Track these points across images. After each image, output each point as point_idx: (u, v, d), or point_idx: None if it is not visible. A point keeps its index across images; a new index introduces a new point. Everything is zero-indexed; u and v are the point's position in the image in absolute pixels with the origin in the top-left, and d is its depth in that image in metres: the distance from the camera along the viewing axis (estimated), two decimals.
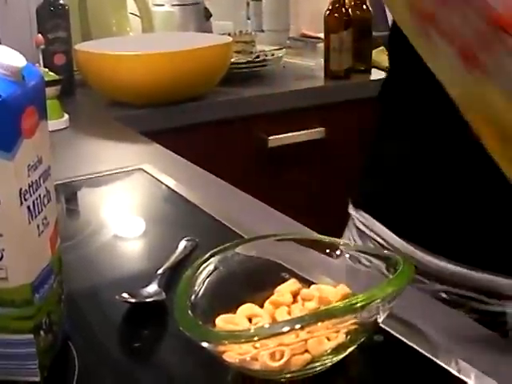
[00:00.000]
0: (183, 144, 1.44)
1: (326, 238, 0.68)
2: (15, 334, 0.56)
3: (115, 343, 0.66)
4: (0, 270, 0.54)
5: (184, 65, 1.61)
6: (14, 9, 1.81)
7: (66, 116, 1.52)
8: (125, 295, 0.69)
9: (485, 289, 0.78)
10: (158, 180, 1.10)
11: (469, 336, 0.66)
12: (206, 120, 1.67)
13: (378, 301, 0.56)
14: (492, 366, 0.59)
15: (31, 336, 0.56)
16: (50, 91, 1.46)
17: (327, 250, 0.67)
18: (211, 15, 2.15)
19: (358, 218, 0.90)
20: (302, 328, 0.53)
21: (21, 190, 0.54)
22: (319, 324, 0.54)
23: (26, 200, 0.55)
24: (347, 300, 0.56)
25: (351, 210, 0.92)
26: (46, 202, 0.58)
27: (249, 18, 2.39)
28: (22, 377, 0.57)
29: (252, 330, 0.54)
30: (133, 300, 0.69)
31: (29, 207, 0.55)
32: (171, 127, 1.62)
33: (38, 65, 1.54)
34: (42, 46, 1.52)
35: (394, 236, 0.83)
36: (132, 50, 1.64)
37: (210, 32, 2.17)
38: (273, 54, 1.97)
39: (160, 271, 0.76)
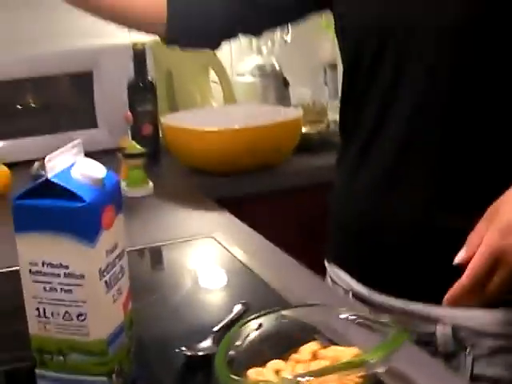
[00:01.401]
0: (257, 210, 1.65)
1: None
2: (93, 376, 0.77)
3: None
4: (83, 328, 0.75)
5: (259, 139, 1.83)
6: (109, 86, 2.07)
7: (151, 184, 1.75)
8: (183, 348, 0.89)
9: (417, 315, 1.09)
10: (226, 248, 1.31)
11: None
12: (279, 188, 1.87)
13: (372, 360, 0.74)
14: None
15: (105, 379, 0.77)
16: (136, 162, 1.70)
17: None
18: (289, 83, 2.37)
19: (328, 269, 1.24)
20: (307, 379, 0.72)
21: (100, 269, 0.75)
22: (323, 377, 0.72)
23: (104, 276, 0.76)
24: (346, 360, 0.74)
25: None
26: (120, 276, 0.79)
27: (326, 84, 2.59)
28: None
29: (269, 380, 0.73)
30: (189, 353, 0.89)
31: (106, 281, 0.76)
32: (247, 194, 1.82)
33: (126, 137, 1.79)
34: (131, 123, 1.76)
35: (352, 281, 1.17)
36: (213, 122, 1.87)
37: (289, 99, 2.38)
38: None
39: (215, 329, 0.95)
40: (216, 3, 1.34)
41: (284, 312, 0.88)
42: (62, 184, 0.72)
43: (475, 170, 1.06)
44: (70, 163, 0.77)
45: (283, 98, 2.37)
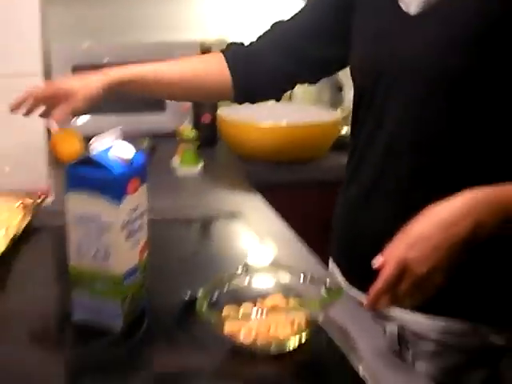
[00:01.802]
0: (291, 198, 1.94)
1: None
2: (111, 299, 1.07)
3: (171, 318, 1.16)
4: (107, 264, 1.06)
5: (301, 136, 2.12)
6: None
7: (201, 165, 2.05)
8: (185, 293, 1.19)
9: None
10: (247, 226, 1.60)
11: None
12: (313, 180, 2.15)
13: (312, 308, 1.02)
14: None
15: (119, 302, 1.07)
16: (188, 146, 2.01)
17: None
18: (342, 87, 2.63)
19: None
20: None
21: (123, 221, 1.05)
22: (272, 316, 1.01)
23: (125, 228, 1.06)
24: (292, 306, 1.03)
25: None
26: (138, 230, 1.10)
27: None
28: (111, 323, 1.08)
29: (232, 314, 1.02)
30: (186, 297, 1.18)
31: (128, 232, 1.07)
32: (284, 182, 2.11)
33: (186, 123, 2.10)
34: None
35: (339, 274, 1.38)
36: (265, 117, 2.16)
37: (341, 101, 2.64)
38: None
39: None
40: (274, 67, 1.52)
41: (263, 269, 1.18)
42: (98, 160, 1.03)
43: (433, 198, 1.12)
44: (110, 145, 1.07)
45: (336, 100, 2.63)
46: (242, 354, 1.04)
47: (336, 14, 1.45)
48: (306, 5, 1.54)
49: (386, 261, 1.03)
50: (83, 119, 2.35)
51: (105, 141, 1.08)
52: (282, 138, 2.13)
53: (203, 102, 2.28)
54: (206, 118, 2.29)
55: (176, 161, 2.04)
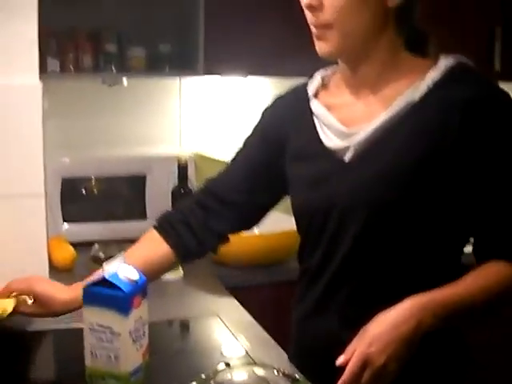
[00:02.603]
0: (262, 298, 2.22)
1: None
2: None
3: None
4: (117, 364, 1.33)
5: (270, 243, 2.47)
6: (157, 189, 2.68)
7: (181, 271, 2.33)
8: None
9: None
10: (226, 326, 1.86)
11: None
12: (282, 281, 2.43)
13: None
14: None
15: None
16: None
17: None
18: None
19: None
20: None
21: (130, 330, 1.33)
22: None
23: (132, 335, 1.34)
24: None
25: None
26: (142, 336, 1.37)
27: None
28: None
29: None
30: None
31: (133, 338, 1.35)
32: (254, 284, 2.40)
33: None
34: None
35: None
36: None
37: None
38: None
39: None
40: (216, 224, 1.68)
41: (242, 366, 1.45)
42: (111, 281, 1.32)
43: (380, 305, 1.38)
44: (117, 268, 1.36)
45: None
46: None
47: (266, 164, 1.64)
48: (234, 158, 1.72)
49: (350, 357, 1.31)
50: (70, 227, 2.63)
51: (113, 265, 1.36)
52: (253, 245, 2.43)
53: (180, 190, 2.58)
54: None
55: None
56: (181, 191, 2.59)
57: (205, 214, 1.68)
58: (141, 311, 1.37)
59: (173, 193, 2.60)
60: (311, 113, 1.56)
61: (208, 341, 1.84)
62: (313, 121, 1.55)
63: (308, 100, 1.58)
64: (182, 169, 2.58)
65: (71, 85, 2.78)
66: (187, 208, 1.71)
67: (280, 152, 1.61)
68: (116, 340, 1.33)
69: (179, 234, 1.67)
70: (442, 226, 1.44)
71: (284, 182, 1.61)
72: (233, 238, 2.39)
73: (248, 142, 1.71)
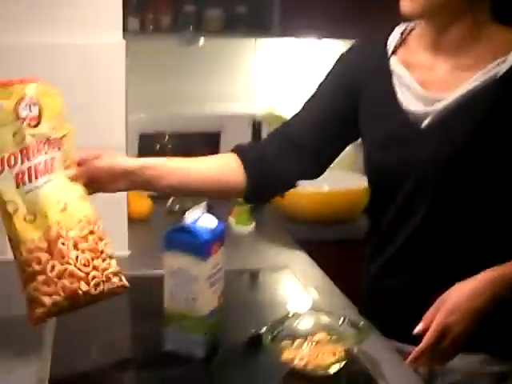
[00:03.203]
0: (330, 254, 2.31)
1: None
2: (196, 334, 1.44)
3: (240, 349, 1.52)
4: (195, 306, 1.43)
5: (338, 200, 2.53)
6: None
7: (253, 224, 2.43)
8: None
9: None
10: (296, 277, 1.96)
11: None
12: (349, 239, 2.51)
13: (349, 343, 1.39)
14: None
15: (203, 336, 1.44)
16: (243, 208, 2.39)
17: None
18: None
19: None
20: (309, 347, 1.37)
21: (208, 275, 1.43)
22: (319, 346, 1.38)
23: (209, 279, 1.44)
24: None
25: None
26: (219, 281, 1.47)
27: None
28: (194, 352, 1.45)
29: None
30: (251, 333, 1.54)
31: (211, 282, 1.45)
32: (323, 241, 2.48)
33: None
34: None
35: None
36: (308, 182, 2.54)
37: None
38: None
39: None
40: (287, 165, 1.67)
41: (310, 313, 1.55)
42: (192, 227, 1.41)
43: (454, 266, 1.49)
44: (198, 216, 1.45)
45: None
46: (296, 376, 1.40)
47: (341, 110, 1.65)
48: (308, 103, 1.73)
49: (428, 325, 1.38)
50: None
51: (195, 213, 1.45)
52: (322, 202, 2.51)
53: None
54: None
55: (231, 220, 2.42)
56: None
57: (278, 156, 1.66)
58: (218, 257, 1.47)
59: None
60: (389, 70, 1.56)
61: (278, 292, 1.94)
62: (390, 78, 1.56)
63: (386, 55, 1.58)
64: (256, 127, 2.67)
65: (150, 44, 2.87)
66: (262, 147, 1.71)
67: (355, 100, 1.62)
68: (194, 283, 1.43)
69: (255, 168, 1.66)
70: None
71: (356, 131, 1.63)
72: (302, 193, 2.50)
73: (322, 88, 1.71)
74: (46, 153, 1.44)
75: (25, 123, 1.42)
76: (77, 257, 1.41)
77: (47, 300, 1.39)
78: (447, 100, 1.47)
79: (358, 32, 2.67)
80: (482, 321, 1.42)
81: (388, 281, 1.61)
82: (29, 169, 1.41)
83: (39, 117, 1.44)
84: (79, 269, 1.41)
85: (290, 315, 1.53)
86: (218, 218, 1.50)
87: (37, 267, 1.39)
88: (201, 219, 1.46)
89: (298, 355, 1.40)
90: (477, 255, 1.48)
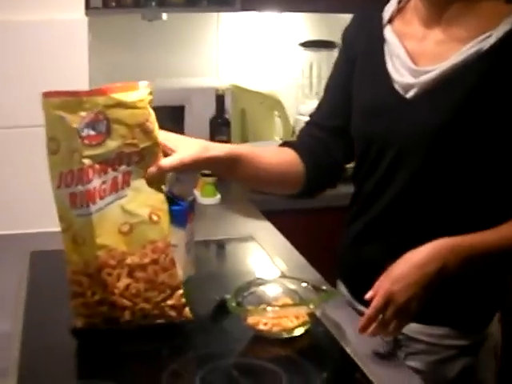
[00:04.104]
0: (298, 224, 2.36)
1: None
2: None
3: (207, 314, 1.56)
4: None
5: None
6: (196, 119, 2.81)
7: (219, 196, 2.47)
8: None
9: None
10: (261, 246, 2.00)
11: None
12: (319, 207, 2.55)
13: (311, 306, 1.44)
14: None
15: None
16: (208, 180, 2.43)
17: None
18: None
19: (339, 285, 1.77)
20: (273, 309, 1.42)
21: (186, 242, 1.48)
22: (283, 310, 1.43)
23: (187, 247, 1.49)
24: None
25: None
26: (192, 249, 1.53)
27: None
28: None
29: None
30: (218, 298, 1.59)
31: (187, 250, 1.51)
32: (291, 210, 2.53)
33: None
34: None
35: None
36: None
37: None
38: None
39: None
40: (334, 151, 1.69)
41: (274, 280, 1.60)
42: (171, 198, 1.47)
43: (429, 238, 1.44)
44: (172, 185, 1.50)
45: None
46: (261, 339, 1.45)
47: (346, 87, 1.66)
48: (328, 84, 1.74)
49: (375, 293, 1.39)
50: None
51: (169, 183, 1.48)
52: None
53: (217, 120, 2.74)
54: None
55: (197, 193, 2.46)
56: (218, 121, 2.72)
57: (322, 144, 1.68)
58: (192, 226, 1.51)
59: (211, 122, 2.73)
60: (383, 38, 1.59)
61: (244, 261, 2.01)
62: (383, 47, 1.59)
63: (382, 23, 1.61)
64: (220, 99, 2.71)
65: (113, 20, 2.89)
66: (303, 140, 1.72)
67: (354, 69, 1.65)
68: (175, 249, 1.44)
69: (312, 159, 1.67)
70: (496, 165, 1.50)
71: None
72: None
73: (335, 66, 1.74)
74: (114, 170, 1.35)
75: (85, 142, 1.34)
76: (127, 285, 1.36)
77: (82, 320, 1.40)
78: (433, 72, 1.49)
79: (316, 5, 2.76)
80: (446, 295, 1.46)
81: (363, 248, 1.65)
82: (81, 193, 1.34)
83: (107, 133, 1.34)
84: (127, 298, 1.36)
85: (254, 281, 1.57)
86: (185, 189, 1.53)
87: (78, 289, 1.37)
88: (175, 189, 1.49)
89: (263, 319, 1.44)
90: (453, 228, 1.47)
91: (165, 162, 1.39)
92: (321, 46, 3.10)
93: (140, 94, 1.37)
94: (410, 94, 1.52)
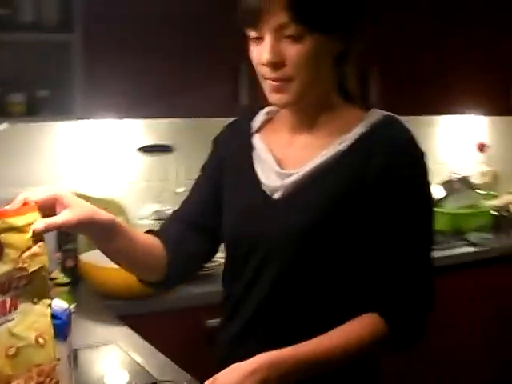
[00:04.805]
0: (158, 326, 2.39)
1: None
2: None
3: None
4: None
5: None
6: None
7: (74, 304, 2.46)
8: None
9: None
10: (124, 351, 2.02)
11: None
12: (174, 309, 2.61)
13: None
14: None
15: None
16: (61, 289, 2.42)
17: None
18: None
19: None
20: None
21: (68, 354, 1.49)
22: None
23: (68, 357, 1.49)
24: None
25: None
26: (71, 358, 1.53)
27: None
28: None
29: None
30: None
31: (69, 359, 1.49)
32: (144, 313, 2.55)
33: (57, 271, 2.52)
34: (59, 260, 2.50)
35: None
36: None
37: None
38: None
39: None
40: (200, 248, 1.73)
41: None
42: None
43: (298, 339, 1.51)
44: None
45: None
46: None
47: (214, 190, 1.73)
48: (196, 183, 1.79)
49: None
50: None
51: None
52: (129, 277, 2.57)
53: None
54: (69, 263, 2.71)
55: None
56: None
57: (182, 239, 1.71)
58: (70, 338, 1.54)
59: (58, 231, 2.72)
60: (251, 145, 1.69)
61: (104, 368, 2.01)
62: (251, 153, 1.68)
63: (251, 133, 1.71)
64: None
65: None
66: (167, 231, 1.73)
67: (222, 174, 1.73)
68: (58, 365, 1.40)
69: (176, 250, 1.69)
70: (358, 262, 1.57)
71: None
72: (111, 269, 2.53)
73: (204, 169, 1.80)
74: (3, 293, 1.33)
75: None
76: None
77: None
78: (296, 175, 1.58)
79: (155, 111, 2.86)
80: None
81: (235, 351, 1.64)
82: None
83: None
84: None
85: None
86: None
87: None
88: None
89: None
90: (324, 318, 1.54)
91: (51, 219, 1.38)
92: (158, 149, 3.19)
93: (29, 217, 1.37)
94: (276, 196, 1.60)
